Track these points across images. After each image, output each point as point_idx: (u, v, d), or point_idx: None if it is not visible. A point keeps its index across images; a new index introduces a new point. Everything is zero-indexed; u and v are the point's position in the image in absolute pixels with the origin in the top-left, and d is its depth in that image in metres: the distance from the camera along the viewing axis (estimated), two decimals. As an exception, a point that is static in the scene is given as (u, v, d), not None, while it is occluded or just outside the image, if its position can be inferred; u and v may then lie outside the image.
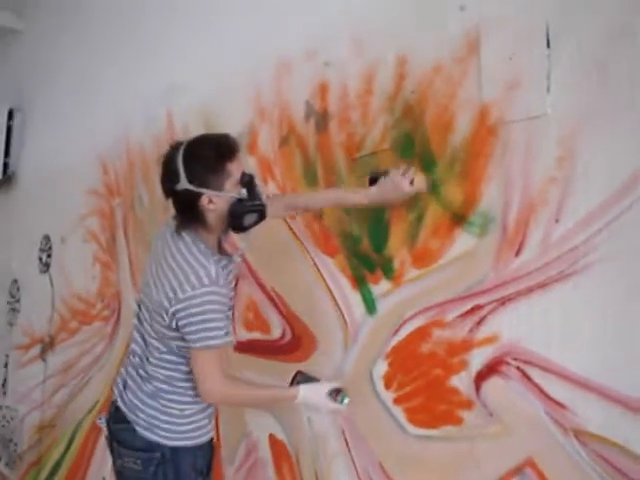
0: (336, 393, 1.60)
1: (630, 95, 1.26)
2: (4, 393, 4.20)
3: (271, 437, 2.04)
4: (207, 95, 2.51)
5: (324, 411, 1.67)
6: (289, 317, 2.02)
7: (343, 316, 1.84)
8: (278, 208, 1.77)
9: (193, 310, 1.49)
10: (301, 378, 1.62)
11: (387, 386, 1.69)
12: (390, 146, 1.74)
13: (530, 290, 1.40)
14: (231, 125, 2.33)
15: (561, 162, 1.35)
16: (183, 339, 1.54)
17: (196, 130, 2.49)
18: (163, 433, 1.58)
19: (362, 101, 1.84)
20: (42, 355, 3.77)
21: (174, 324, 1.51)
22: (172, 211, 1.68)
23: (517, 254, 1.43)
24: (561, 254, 1.34)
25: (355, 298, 1.80)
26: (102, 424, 1.73)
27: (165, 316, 1.51)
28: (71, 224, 3.56)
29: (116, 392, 1.70)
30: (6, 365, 4.24)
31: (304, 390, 1.57)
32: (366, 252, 1.78)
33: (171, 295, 1.50)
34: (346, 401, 1.59)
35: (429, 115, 1.64)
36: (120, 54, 3.14)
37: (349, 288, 1.83)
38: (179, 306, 1.49)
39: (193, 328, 1.49)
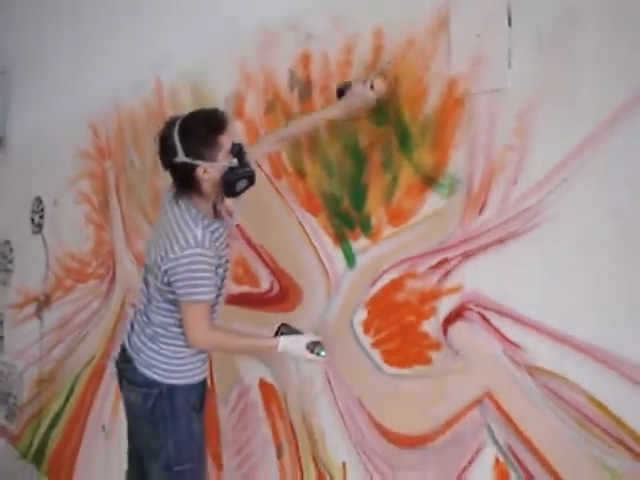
0: (314, 345, 1.79)
1: (582, 71, 1.42)
2: (1, 350, 4.38)
3: (261, 381, 2.25)
4: (194, 62, 2.63)
5: (302, 360, 1.87)
6: (276, 271, 2.21)
7: (326, 270, 2.03)
8: (271, 144, 1.99)
9: (180, 269, 1.68)
10: (285, 330, 1.82)
11: (366, 331, 1.89)
12: (367, 114, 1.89)
13: (490, 245, 1.58)
14: (218, 91, 2.50)
15: (519, 132, 1.52)
16: (174, 293, 1.73)
17: (184, 95, 2.64)
18: (160, 372, 1.79)
19: (342, 70, 1.99)
20: (38, 313, 3.94)
21: (165, 280, 1.69)
22: (166, 176, 1.85)
23: (480, 213, 1.61)
24: (517, 213, 1.52)
25: (337, 253, 1.99)
26: (111, 363, 1.93)
27: (159, 273, 1.69)
28: (63, 186, 3.68)
29: (125, 335, 1.89)
30: (1, 323, 4.41)
31: (284, 341, 1.78)
32: (346, 211, 1.96)
33: (163, 254, 1.69)
34: (322, 353, 1.80)
35: (403, 86, 1.80)
36: (108, 21, 3.23)
37: (331, 244, 2.01)
38: (169, 265, 1.68)
39: (180, 284, 1.69)
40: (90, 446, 3.33)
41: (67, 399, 3.58)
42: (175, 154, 1.70)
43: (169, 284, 1.71)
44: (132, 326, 1.90)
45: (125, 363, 1.87)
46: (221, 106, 2.39)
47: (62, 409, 3.63)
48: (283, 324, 1.86)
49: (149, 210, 2.91)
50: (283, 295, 2.17)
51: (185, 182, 1.74)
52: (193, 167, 1.70)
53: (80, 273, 3.50)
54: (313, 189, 2.07)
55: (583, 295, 1.40)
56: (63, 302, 3.67)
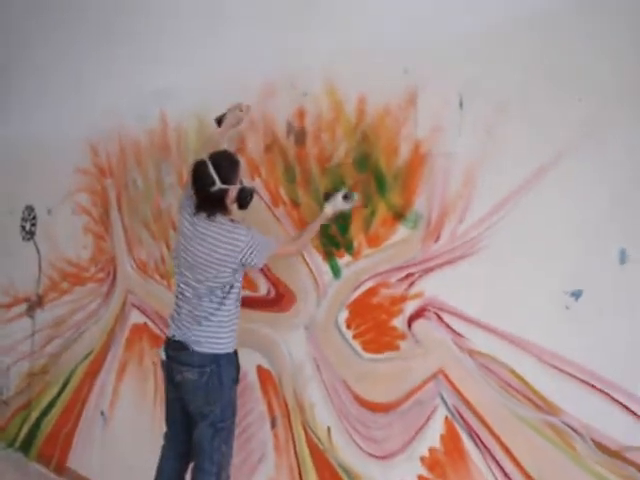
0: (346, 196, 2.44)
1: (509, 142, 2.09)
2: (-14, 347, 4.74)
3: (258, 367, 2.82)
4: (198, 103, 3.17)
5: (346, 208, 2.47)
6: (273, 280, 2.80)
7: (316, 280, 2.64)
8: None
9: (252, 241, 2.36)
10: (325, 198, 2.51)
11: (348, 327, 2.51)
12: (352, 161, 2.52)
13: (443, 264, 2.23)
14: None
15: (465, 184, 2.18)
16: (239, 274, 2.41)
17: (190, 130, 3.19)
18: (213, 344, 2.38)
19: (331, 125, 2.60)
20: (29, 312, 4.36)
21: (244, 260, 2.34)
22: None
23: (436, 241, 2.26)
24: (463, 242, 2.18)
25: (325, 267, 2.60)
26: (161, 353, 2.46)
27: (233, 260, 2.34)
28: (58, 197, 4.13)
29: (172, 329, 2.44)
30: (-14, 322, 4.77)
31: (328, 207, 2.46)
32: (334, 235, 2.58)
33: (235, 246, 2.33)
34: (355, 196, 2.44)
35: (380, 143, 2.43)
36: (113, 46, 3.68)
37: (320, 260, 2.62)
38: (243, 246, 2.34)
39: (259, 249, 2.38)
40: (87, 432, 3.79)
41: (62, 390, 4.02)
42: (213, 183, 2.31)
43: (245, 263, 2.36)
44: (180, 322, 2.43)
45: (179, 351, 2.40)
46: (224, 144, 2.99)
47: (56, 399, 4.07)
48: (324, 194, 2.54)
49: (151, 224, 3.43)
50: (279, 298, 2.76)
51: (219, 203, 2.37)
52: (225, 191, 2.30)
53: (77, 277, 3.97)
54: (306, 216, 2.68)
55: (507, 299, 2.07)
56: (58, 303, 4.11)
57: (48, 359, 4.19)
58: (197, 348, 2.37)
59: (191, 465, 2.50)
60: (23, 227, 4.47)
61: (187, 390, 2.40)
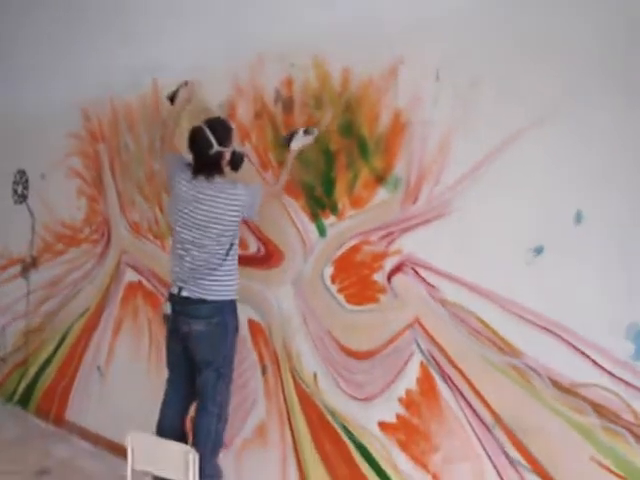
0: (306, 131, 2.69)
1: (482, 111, 2.29)
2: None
3: (249, 320, 3.05)
4: (189, 71, 3.30)
5: (308, 142, 2.72)
6: (263, 239, 3.01)
7: (303, 238, 2.85)
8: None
9: (248, 198, 2.62)
10: (288, 137, 2.73)
11: (332, 281, 2.74)
12: (337, 128, 2.71)
13: (420, 224, 2.46)
14: (212, 96, 3.22)
15: (440, 150, 2.39)
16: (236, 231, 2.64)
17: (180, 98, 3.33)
18: (223, 291, 2.63)
19: (318, 94, 2.79)
20: (23, 273, 4.54)
21: (241, 213, 2.60)
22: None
23: (414, 203, 2.48)
24: (438, 204, 2.40)
25: (311, 227, 2.82)
26: (167, 308, 2.67)
27: (236, 216, 2.57)
28: (51, 162, 4.27)
29: (177, 286, 2.64)
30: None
31: (294, 144, 2.70)
32: (320, 197, 2.79)
33: (237, 202, 2.58)
34: (315, 130, 2.69)
35: (364, 111, 2.62)
36: (107, 25, 3.83)
37: (307, 220, 2.83)
38: (244, 201, 2.60)
39: (256, 200, 2.65)
40: (84, 385, 4.02)
41: (58, 346, 4.23)
42: (211, 146, 2.52)
43: (240, 212, 2.63)
44: (185, 278, 2.63)
45: (186, 305, 2.62)
46: (215, 110, 3.17)
47: (53, 355, 4.28)
48: (284, 137, 2.77)
49: (144, 187, 3.61)
50: (269, 256, 2.98)
51: (215, 165, 2.59)
52: (221, 154, 2.50)
53: (72, 238, 4.14)
54: (294, 179, 2.88)
55: (476, 255, 2.31)
56: (53, 263, 4.29)
57: (44, 318, 4.38)
58: (209, 297, 2.58)
59: (192, 407, 2.74)
60: (15, 190, 4.61)
61: (194, 340, 2.61)
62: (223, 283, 2.62)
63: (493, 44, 2.27)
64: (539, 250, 2.17)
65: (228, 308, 2.64)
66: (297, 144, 2.71)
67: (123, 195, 3.78)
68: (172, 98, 3.02)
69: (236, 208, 2.59)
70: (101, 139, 3.91)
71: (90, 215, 4.02)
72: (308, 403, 2.82)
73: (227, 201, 2.58)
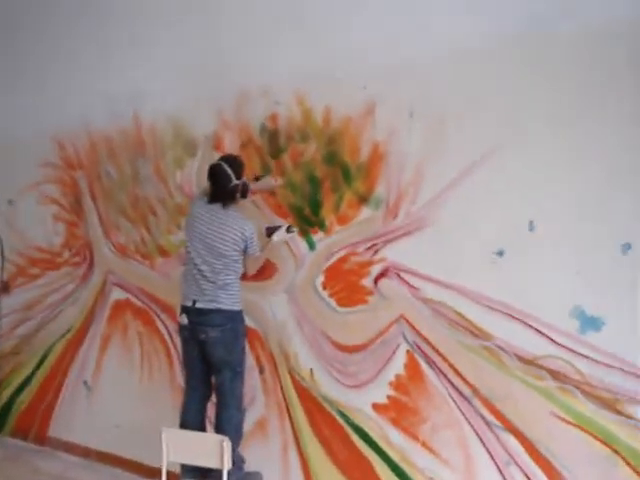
0: (288, 228, 3.17)
1: (450, 143, 2.86)
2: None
3: (247, 328, 3.46)
4: (173, 105, 3.71)
5: (286, 239, 3.21)
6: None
7: (294, 252, 3.32)
8: None
9: (254, 236, 3.02)
10: (271, 229, 3.19)
11: (324, 288, 3.23)
12: (321, 157, 3.21)
13: (400, 236, 3.00)
14: (198, 130, 3.62)
15: (415, 175, 2.94)
16: (242, 256, 3.07)
17: (164, 131, 3.72)
18: (235, 302, 3.03)
19: (302, 128, 3.27)
20: (-6, 298, 4.68)
21: (244, 247, 2.99)
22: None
23: (394, 218, 3.01)
24: (415, 219, 2.95)
25: (302, 242, 3.29)
26: (183, 319, 3.04)
27: (242, 244, 2.99)
28: (20, 189, 4.48)
29: (191, 300, 3.02)
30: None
31: (275, 237, 3.16)
32: (308, 216, 3.26)
33: (239, 234, 2.99)
34: (295, 229, 3.18)
35: (346, 143, 3.13)
36: (88, 52, 4.10)
37: (297, 236, 3.30)
38: (249, 236, 3.01)
39: (255, 244, 3.02)
40: (69, 402, 4.25)
41: (38, 367, 4.43)
42: (230, 180, 2.95)
43: (245, 250, 3.02)
44: (200, 293, 3.01)
45: (202, 316, 3.00)
46: (201, 141, 3.57)
47: (31, 376, 4.47)
48: (267, 227, 3.23)
49: (129, 211, 3.94)
50: (262, 270, 3.39)
51: (232, 195, 3.01)
52: (237, 186, 2.93)
53: (50, 262, 4.37)
54: (282, 202, 3.34)
55: (450, 259, 2.87)
56: (28, 287, 4.48)
57: (19, 340, 4.55)
58: (224, 307, 2.98)
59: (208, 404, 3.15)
60: (-20, 218, 4.74)
61: (211, 345, 3.00)
62: (231, 295, 3.04)
63: (459, 87, 2.84)
64: (501, 253, 2.76)
65: (237, 317, 3.06)
66: (278, 238, 3.21)
67: (106, 219, 4.08)
68: (257, 178, 3.33)
69: (241, 237, 3.02)
70: (78, 167, 4.18)
71: (70, 239, 4.27)
72: (306, 396, 3.28)
73: (236, 227, 3.01)
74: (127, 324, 3.99)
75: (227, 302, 3.03)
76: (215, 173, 3.03)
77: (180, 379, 3.72)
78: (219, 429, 2.96)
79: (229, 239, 2.99)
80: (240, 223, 3.04)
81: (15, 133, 4.47)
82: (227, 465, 2.66)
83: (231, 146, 3.51)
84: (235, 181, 3.02)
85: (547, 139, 2.66)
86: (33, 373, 4.48)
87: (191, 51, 3.66)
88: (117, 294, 4.04)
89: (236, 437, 2.93)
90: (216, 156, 3.49)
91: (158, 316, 3.85)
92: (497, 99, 2.76)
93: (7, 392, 4.61)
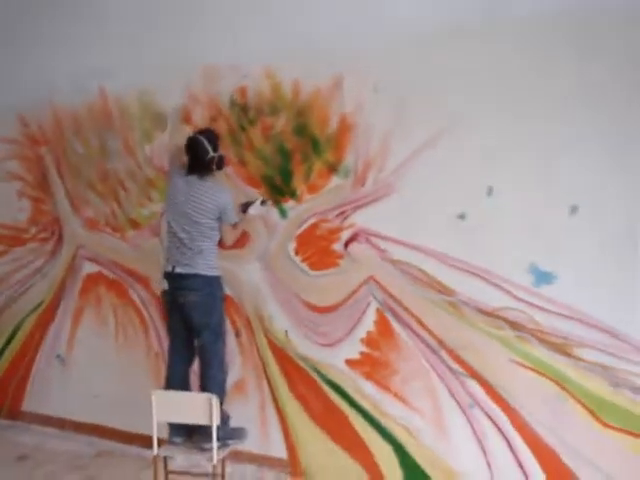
0: (263, 202, 3.37)
1: (411, 117, 3.08)
2: None
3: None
4: (140, 79, 3.79)
5: (262, 212, 3.40)
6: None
7: (266, 221, 3.50)
8: None
9: (227, 205, 3.18)
10: (246, 205, 3.36)
11: (296, 253, 3.43)
12: (291, 129, 3.38)
13: (368, 202, 3.22)
14: (166, 103, 3.73)
15: (382, 145, 3.16)
16: (218, 223, 3.21)
17: (131, 104, 3.81)
18: (212, 269, 3.20)
19: (271, 100, 3.43)
20: (-46, 277, 4.67)
21: (218, 215, 3.15)
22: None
23: (362, 186, 3.23)
24: (382, 186, 3.17)
25: (274, 211, 3.47)
26: (164, 284, 3.18)
27: (216, 212, 3.14)
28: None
29: (171, 266, 3.17)
30: None
31: (251, 210, 3.35)
32: (280, 186, 3.45)
33: (219, 202, 3.14)
34: (268, 202, 3.38)
35: (314, 115, 3.32)
36: (51, 26, 4.11)
37: (269, 206, 3.47)
38: (225, 205, 3.17)
39: (230, 213, 3.20)
40: (43, 375, 4.34)
41: (7, 343, 4.49)
42: (207, 152, 3.11)
43: (220, 217, 3.18)
44: (179, 258, 3.16)
45: (181, 280, 3.15)
46: (169, 114, 3.69)
47: (1, 353, 4.52)
48: (241, 204, 3.39)
49: (97, 186, 4.02)
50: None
51: (209, 167, 3.16)
52: (213, 158, 3.09)
53: (15, 239, 4.40)
54: (254, 173, 3.50)
55: (415, 223, 3.12)
56: (-7, 264, 4.52)
57: (-14, 317, 4.59)
58: (201, 272, 3.15)
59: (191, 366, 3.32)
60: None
61: (190, 308, 3.16)
62: (208, 261, 3.21)
63: (420, 65, 3.06)
64: (462, 216, 3.02)
65: (215, 282, 3.23)
66: (253, 212, 3.38)
67: (74, 194, 4.14)
68: (245, 208, 3.41)
69: (216, 206, 3.18)
70: (43, 143, 4.22)
71: (36, 215, 4.31)
72: (281, 355, 3.50)
73: (212, 198, 3.17)
74: (100, 296, 4.09)
75: (204, 267, 3.19)
76: (193, 145, 3.17)
77: (157, 347, 3.89)
78: (204, 388, 3.14)
79: (204, 208, 3.15)
80: (215, 192, 3.20)
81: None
82: (216, 421, 2.85)
83: (200, 119, 3.63)
84: (212, 153, 3.17)
85: (501, 113, 2.92)
86: (2, 349, 4.53)
87: (158, 27, 3.74)
88: (88, 267, 4.13)
89: (220, 395, 3.12)
90: (186, 129, 3.64)
91: (132, 287, 3.97)
92: (455, 77, 2.99)
93: (-24, 369, 4.65)
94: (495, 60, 2.91)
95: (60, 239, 4.24)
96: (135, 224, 3.94)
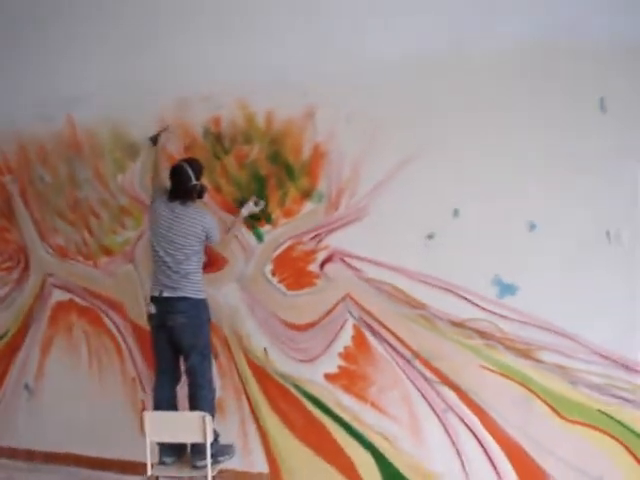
0: (256, 202, 3.58)
1: (382, 147, 3.37)
2: None
3: (198, 317, 3.79)
4: (108, 107, 3.92)
5: (257, 211, 3.60)
6: (205, 249, 3.75)
7: (242, 245, 3.69)
8: None
9: (214, 226, 3.42)
10: (240, 204, 3.61)
11: (273, 274, 3.65)
12: (265, 157, 3.61)
13: (341, 226, 3.48)
14: (139, 134, 3.87)
15: (354, 172, 3.43)
16: (202, 246, 3.42)
17: (102, 134, 3.94)
18: (197, 291, 3.37)
19: (245, 130, 3.64)
20: None
21: (204, 238, 3.36)
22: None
23: (336, 210, 3.49)
24: (354, 210, 3.44)
25: (250, 236, 3.68)
26: (152, 308, 3.31)
27: (202, 235, 3.34)
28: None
29: (158, 290, 3.32)
30: None
31: (243, 210, 3.58)
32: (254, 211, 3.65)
33: (203, 226, 3.35)
34: (262, 202, 3.58)
35: (288, 144, 3.56)
36: (17, 53, 4.17)
37: (245, 230, 3.68)
38: (210, 227, 3.39)
39: (216, 233, 3.41)
40: (8, 406, 4.33)
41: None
42: (190, 180, 3.32)
43: (207, 239, 3.38)
44: (165, 283, 3.31)
45: (169, 304, 3.30)
46: (142, 145, 3.84)
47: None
48: (239, 201, 3.63)
49: (67, 214, 4.11)
50: (211, 263, 3.74)
51: (191, 194, 3.36)
52: (196, 186, 3.29)
53: (-23, 268, 4.40)
54: (227, 199, 3.70)
55: (387, 243, 3.40)
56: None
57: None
58: (188, 295, 3.31)
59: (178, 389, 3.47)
60: None
61: (179, 331, 3.31)
62: (195, 284, 3.38)
63: (387, 97, 3.36)
64: (431, 236, 3.33)
65: (201, 304, 3.40)
66: (246, 211, 3.60)
67: (41, 222, 4.20)
68: (154, 140, 3.65)
69: (201, 229, 3.37)
70: (6, 171, 4.26)
71: (0, 244, 4.33)
72: (261, 373, 3.69)
73: (196, 222, 3.36)
74: (71, 324, 4.16)
75: (191, 290, 3.36)
76: (177, 172, 3.34)
77: (133, 372, 3.98)
78: (194, 408, 3.28)
79: (190, 232, 3.34)
80: (199, 216, 3.40)
81: None
82: (210, 438, 3.01)
83: (174, 148, 3.80)
84: (194, 181, 3.36)
85: (464, 140, 3.26)
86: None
87: (129, 57, 3.89)
88: (58, 295, 4.19)
89: (211, 413, 3.27)
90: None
91: (106, 313, 4.06)
92: (421, 109, 3.32)
93: None
94: (460, 90, 3.25)
95: (27, 267, 4.28)
96: (108, 251, 4.04)
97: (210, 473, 3.04)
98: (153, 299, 3.39)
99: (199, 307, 3.38)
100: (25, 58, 4.19)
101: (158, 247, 3.38)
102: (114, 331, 4.05)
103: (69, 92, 4.03)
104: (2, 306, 4.37)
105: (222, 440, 3.43)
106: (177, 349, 3.39)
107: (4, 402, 4.37)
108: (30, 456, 4.27)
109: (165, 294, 3.35)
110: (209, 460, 3.03)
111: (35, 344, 4.27)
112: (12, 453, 4.33)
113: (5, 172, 4.29)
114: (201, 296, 3.42)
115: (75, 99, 4.01)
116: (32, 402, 4.29)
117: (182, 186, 3.35)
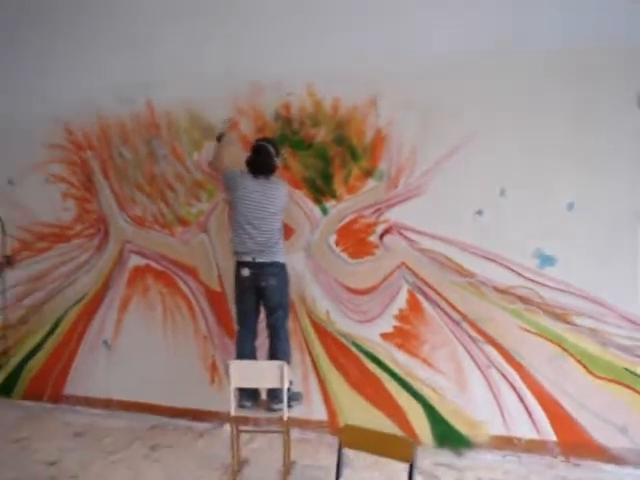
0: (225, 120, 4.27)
1: (440, 130, 3.91)
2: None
3: (266, 281, 4.36)
4: (188, 94, 4.47)
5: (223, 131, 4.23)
6: (274, 221, 4.32)
7: (309, 217, 4.25)
8: None
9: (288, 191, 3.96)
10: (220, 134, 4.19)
11: (337, 244, 4.21)
12: (331, 140, 4.15)
13: (401, 201, 4.03)
14: (214, 116, 4.42)
15: (412, 153, 3.97)
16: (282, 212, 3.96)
17: (180, 117, 4.50)
18: (282, 255, 3.93)
19: (313, 115, 4.18)
20: (-4, 273, 5.22)
21: (283, 206, 3.91)
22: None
23: (395, 187, 4.04)
24: (413, 188, 3.99)
25: (316, 209, 4.24)
26: (245, 271, 3.88)
27: (283, 205, 3.90)
28: (21, 169, 5.04)
29: (251, 256, 3.87)
30: None
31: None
32: (321, 187, 4.21)
33: (284, 198, 3.92)
34: (284, 154, 4.16)
35: (352, 128, 4.10)
36: (97, 43, 4.74)
37: (311, 204, 4.24)
38: (287, 198, 3.94)
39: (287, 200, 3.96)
40: (87, 361, 4.95)
41: (50, 333, 5.05)
42: (273, 157, 3.87)
43: (284, 202, 3.96)
44: (254, 250, 3.86)
45: (262, 268, 3.86)
46: (218, 124, 4.38)
47: (42, 342, 5.08)
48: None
49: (145, 187, 4.68)
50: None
51: (275, 169, 3.92)
52: (276, 162, 3.86)
53: (59, 236, 4.99)
54: (296, 175, 4.25)
55: (442, 218, 3.94)
56: (34, 260, 5.07)
57: (27, 310, 5.13)
58: (277, 259, 3.87)
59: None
60: (-26, 196, 5.22)
61: (270, 291, 3.88)
62: (281, 250, 3.96)
63: (442, 87, 3.89)
64: (480, 212, 3.87)
65: (285, 268, 3.98)
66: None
67: (120, 195, 4.77)
68: (220, 138, 4.18)
69: (284, 199, 3.94)
70: (88, 148, 4.83)
71: (82, 214, 4.92)
72: (323, 333, 4.28)
73: (280, 194, 3.93)
74: (148, 286, 4.75)
75: (279, 255, 3.94)
76: (261, 151, 3.90)
77: (204, 331, 4.57)
78: (274, 357, 3.87)
79: (277, 203, 3.90)
80: (282, 188, 3.97)
81: (15, 115, 4.98)
82: (286, 384, 3.59)
83: (247, 129, 4.35)
84: (276, 158, 3.94)
85: (510, 128, 3.79)
86: (44, 340, 5.09)
87: (208, 41, 4.42)
88: (136, 260, 4.77)
89: (288, 363, 3.85)
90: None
91: (180, 277, 4.64)
92: (474, 98, 3.84)
93: (16, 359, 5.19)
94: (507, 83, 3.77)
95: (106, 235, 4.86)
96: (184, 221, 4.62)
97: (286, 414, 3.63)
98: (246, 264, 3.94)
99: (285, 270, 3.96)
100: (107, 46, 4.73)
101: (250, 217, 3.89)
102: (188, 293, 4.63)
103: (148, 77, 4.57)
104: (82, 271, 4.96)
105: (293, 388, 4.02)
106: (263, 307, 3.96)
107: (84, 357, 4.98)
108: (107, 404, 4.90)
109: (258, 259, 3.90)
110: (285, 403, 3.62)
111: (113, 304, 4.87)
112: (90, 402, 4.95)
113: (86, 149, 4.85)
114: (284, 260, 3.99)
115: (154, 84, 4.55)
116: (110, 357, 4.90)
117: (266, 163, 3.90)
